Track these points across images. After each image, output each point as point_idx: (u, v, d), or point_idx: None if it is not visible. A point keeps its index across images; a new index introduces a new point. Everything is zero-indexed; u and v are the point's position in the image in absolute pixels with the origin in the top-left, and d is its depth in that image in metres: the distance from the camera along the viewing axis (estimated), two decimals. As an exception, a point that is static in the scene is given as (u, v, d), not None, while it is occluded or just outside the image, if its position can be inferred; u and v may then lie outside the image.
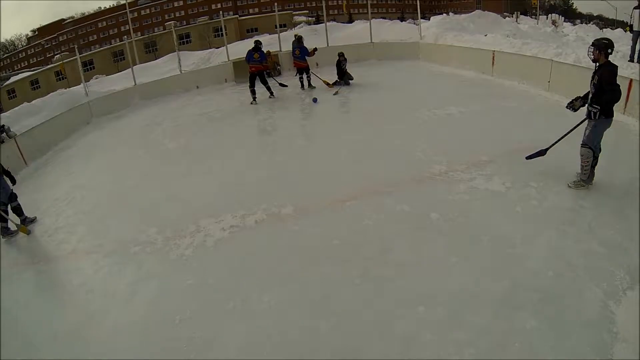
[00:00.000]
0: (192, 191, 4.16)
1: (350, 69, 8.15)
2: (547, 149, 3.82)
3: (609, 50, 3.43)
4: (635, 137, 4.32)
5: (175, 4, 36.17)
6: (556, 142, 3.73)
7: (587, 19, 42.60)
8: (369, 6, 11.41)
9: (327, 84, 7.93)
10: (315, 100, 6.99)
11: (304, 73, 8.05)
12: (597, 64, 3.40)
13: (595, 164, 3.51)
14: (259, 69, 7.38)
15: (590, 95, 3.44)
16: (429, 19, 13.25)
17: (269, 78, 7.81)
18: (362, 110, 6.45)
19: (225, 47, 9.69)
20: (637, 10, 6.70)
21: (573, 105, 3.62)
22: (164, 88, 9.07)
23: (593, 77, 3.43)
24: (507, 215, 3.20)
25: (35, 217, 4.14)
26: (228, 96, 8.20)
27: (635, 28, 6.79)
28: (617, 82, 3.37)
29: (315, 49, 8.23)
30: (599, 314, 2.20)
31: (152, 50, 19.44)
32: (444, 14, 14.02)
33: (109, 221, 3.83)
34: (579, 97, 3.59)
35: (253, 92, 7.39)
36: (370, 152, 4.61)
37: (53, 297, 2.98)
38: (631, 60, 6.67)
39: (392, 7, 51.01)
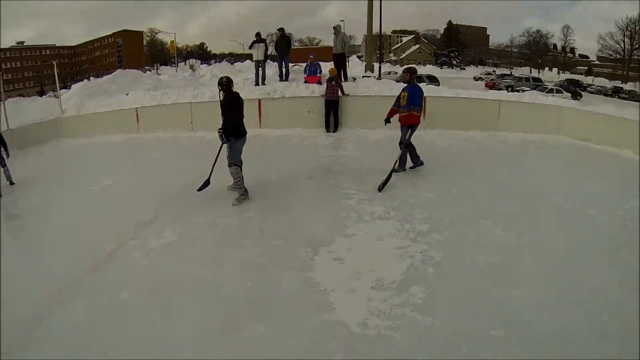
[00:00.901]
0: None
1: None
2: (208, 178, 4.87)
3: (228, 86, 4.46)
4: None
5: None
6: (211, 172, 4.79)
7: (220, 57, 51.94)
8: (2, 84, 9.54)
9: None
10: None
11: None
12: None
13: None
14: None
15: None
16: (70, 88, 12.66)
17: None
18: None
19: None
20: (256, 44, 9.02)
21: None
22: None
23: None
24: (187, 255, 3.86)
25: None
26: None
27: (254, 59, 9.16)
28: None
29: None
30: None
31: None
32: (85, 80, 13.72)
33: None
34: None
35: None
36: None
37: None
38: (257, 84, 9.18)
39: (29, 79, 43.59)
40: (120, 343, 2.86)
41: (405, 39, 49.30)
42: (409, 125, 5.48)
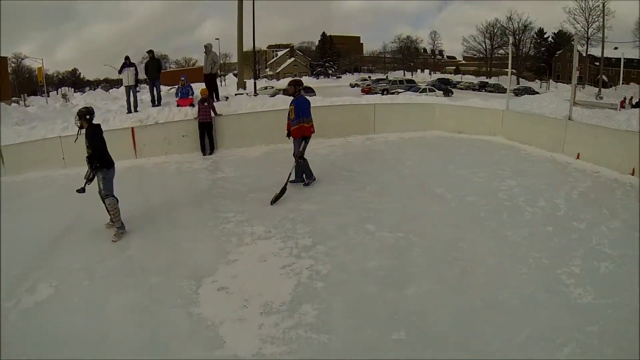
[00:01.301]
0: None
1: None
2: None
3: (88, 117, 4.30)
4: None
5: None
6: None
7: (95, 84, 46.24)
8: None
9: None
10: None
11: None
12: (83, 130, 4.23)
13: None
14: None
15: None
16: None
17: None
18: None
19: None
20: (126, 69, 8.27)
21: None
22: None
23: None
24: (66, 309, 3.38)
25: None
26: None
27: (125, 84, 8.37)
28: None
29: None
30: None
31: None
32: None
33: None
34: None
35: None
36: None
37: None
38: (129, 111, 8.31)
39: None
40: None
41: (280, 53, 50.63)
42: (302, 137, 5.54)
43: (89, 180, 4.40)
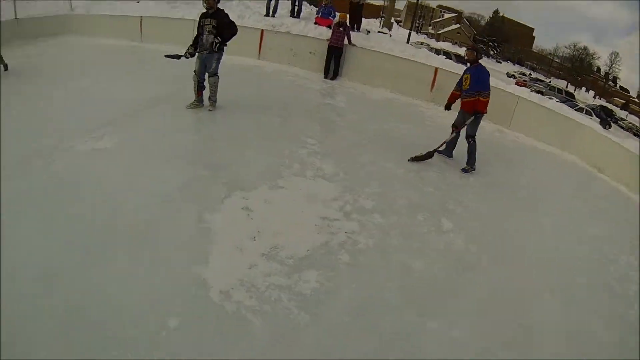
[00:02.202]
0: None
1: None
2: (181, 56, 4.83)
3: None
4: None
5: None
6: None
7: None
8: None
9: None
10: None
11: None
12: None
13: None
14: None
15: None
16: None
17: None
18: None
19: None
20: None
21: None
22: None
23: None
24: (114, 164, 3.60)
25: None
26: None
27: None
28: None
29: None
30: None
31: None
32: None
33: None
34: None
35: None
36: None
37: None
38: (267, 14, 8.43)
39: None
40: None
41: (447, 16, 45.12)
42: (474, 112, 4.55)
43: (189, 54, 4.74)
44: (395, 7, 39.86)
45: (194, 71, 4.91)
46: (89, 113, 4.71)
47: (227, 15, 4.78)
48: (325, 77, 7.30)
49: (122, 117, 4.64)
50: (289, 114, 5.32)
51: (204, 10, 4.73)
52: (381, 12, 35.85)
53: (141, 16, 8.53)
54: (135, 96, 5.27)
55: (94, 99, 5.29)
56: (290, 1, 8.79)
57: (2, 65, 6.14)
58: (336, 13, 8.16)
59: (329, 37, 7.23)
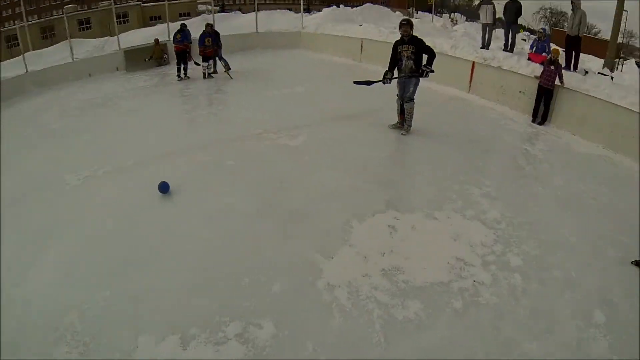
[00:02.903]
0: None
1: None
2: (373, 82, 5.26)
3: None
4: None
5: (76, -14, 33.29)
6: (376, 82, 5.20)
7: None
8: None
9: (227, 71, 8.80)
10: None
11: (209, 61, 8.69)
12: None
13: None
14: (181, 48, 8.64)
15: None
16: (321, 11, 14.66)
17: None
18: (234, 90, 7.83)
19: (117, 36, 10.29)
20: (483, 6, 8.25)
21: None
22: (56, 75, 9.46)
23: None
24: (293, 158, 4.72)
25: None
26: (118, 83, 8.95)
27: (482, 21, 8.40)
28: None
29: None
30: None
31: (49, 36, 18.67)
32: (335, 6, 15.51)
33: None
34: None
35: (178, 70, 8.77)
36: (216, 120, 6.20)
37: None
38: (482, 47, 8.30)
39: None
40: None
41: None
42: None
43: (389, 79, 5.13)
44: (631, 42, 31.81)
45: (397, 95, 5.35)
46: (292, 114, 6.01)
47: (422, 40, 5.01)
48: (533, 121, 6.56)
49: (319, 122, 5.69)
50: (477, 152, 5.13)
51: (399, 38, 5.05)
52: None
53: (362, 38, 9.62)
54: (339, 107, 6.29)
55: (301, 103, 6.58)
56: (504, 33, 8.43)
57: (225, 67, 8.57)
58: (550, 48, 7.34)
59: (538, 75, 6.57)
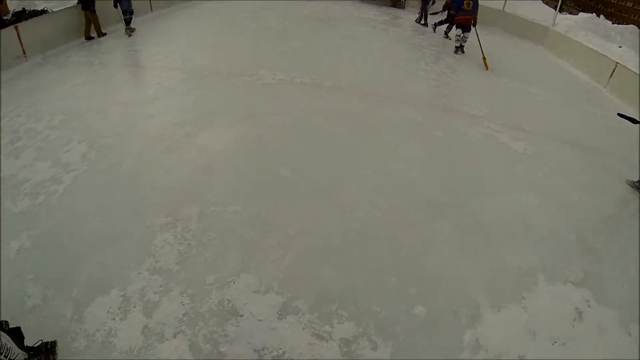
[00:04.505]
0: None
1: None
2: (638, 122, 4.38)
3: None
4: None
5: None
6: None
7: None
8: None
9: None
10: None
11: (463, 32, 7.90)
12: None
13: None
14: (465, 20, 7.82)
15: None
16: (576, 14, 12.47)
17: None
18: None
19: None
20: None
21: None
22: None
23: None
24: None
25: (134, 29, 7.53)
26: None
27: None
28: None
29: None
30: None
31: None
32: (594, 14, 12.99)
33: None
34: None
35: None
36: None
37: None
38: None
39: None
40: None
41: None
42: None
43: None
44: None
45: None
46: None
47: None
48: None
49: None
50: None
51: None
52: None
53: (617, 62, 7.74)
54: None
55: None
56: None
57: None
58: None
59: None
